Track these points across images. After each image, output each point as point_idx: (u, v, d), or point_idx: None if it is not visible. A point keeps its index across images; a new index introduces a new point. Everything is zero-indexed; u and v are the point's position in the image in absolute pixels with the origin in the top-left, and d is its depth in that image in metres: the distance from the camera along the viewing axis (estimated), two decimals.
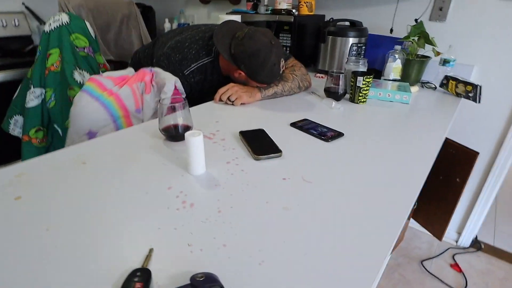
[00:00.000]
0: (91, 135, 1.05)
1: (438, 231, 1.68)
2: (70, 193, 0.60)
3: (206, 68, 1.15)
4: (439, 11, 1.46)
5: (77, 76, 1.32)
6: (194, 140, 0.64)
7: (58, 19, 1.31)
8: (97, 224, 0.52)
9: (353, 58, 1.27)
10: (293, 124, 0.94)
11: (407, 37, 1.34)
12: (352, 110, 1.11)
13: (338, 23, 1.51)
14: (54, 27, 1.30)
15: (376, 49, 1.57)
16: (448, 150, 1.57)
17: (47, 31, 1.30)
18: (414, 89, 1.34)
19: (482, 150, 1.59)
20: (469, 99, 1.25)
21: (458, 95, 1.29)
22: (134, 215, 0.54)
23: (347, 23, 1.54)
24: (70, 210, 0.55)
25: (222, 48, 1.08)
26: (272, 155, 0.75)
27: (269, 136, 0.84)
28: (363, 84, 1.12)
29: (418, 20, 1.39)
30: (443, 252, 1.82)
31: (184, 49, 1.13)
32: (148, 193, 0.60)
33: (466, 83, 1.24)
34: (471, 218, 1.79)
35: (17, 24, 2.33)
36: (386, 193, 0.63)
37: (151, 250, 0.46)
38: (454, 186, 1.60)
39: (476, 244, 1.85)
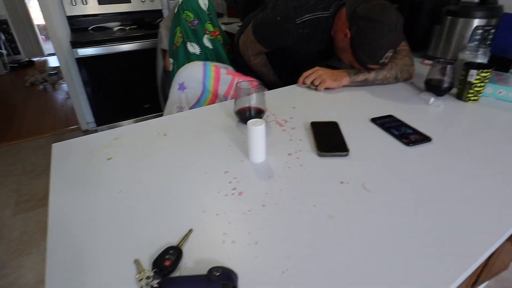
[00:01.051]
0: (182, 87, 1.22)
1: None
2: (148, 161, 0.69)
3: (319, 22, 1.08)
4: None
5: (190, 47, 1.49)
6: (255, 129, 0.65)
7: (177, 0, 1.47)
8: (158, 194, 0.59)
9: (471, 45, 1.05)
10: (374, 120, 0.85)
11: None
12: (455, 110, 0.94)
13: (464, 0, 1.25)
14: (177, 9, 1.48)
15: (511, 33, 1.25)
16: None
17: (175, 12, 1.50)
18: None
19: None
20: None
21: None
22: (189, 193, 0.59)
23: (477, 0, 1.26)
24: (142, 177, 0.64)
25: (352, 2, 1.03)
26: (337, 153, 0.70)
27: (340, 131, 0.79)
28: (476, 80, 0.92)
29: None
30: None
31: None
32: (206, 173, 0.65)
33: None
34: None
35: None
36: (465, 216, 0.53)
37: (190, 231, 0.50)
38: None
39: None
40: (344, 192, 0.60)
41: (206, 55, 1.52)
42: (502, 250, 1.10)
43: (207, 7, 1.48)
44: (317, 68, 1.08)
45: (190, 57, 1.51)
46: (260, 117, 0.84)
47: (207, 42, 1.50)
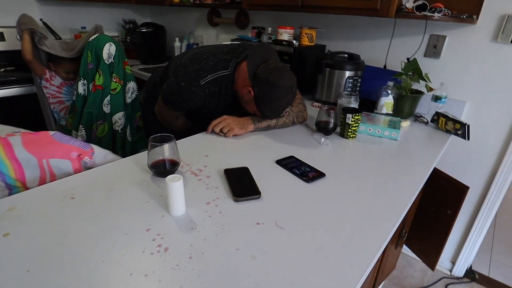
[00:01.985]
0: None
1: (431, 261, 1.68)
2: (57, 231, 0.64)
3: (222, 80, 1.16)
4: (434, 48, 1.49)
5: (80, 86, 1.55)
6: (174, 185, 0.68)
7: None
8: (76, 266, 0.56)
9: (346, 93, 1.30)
10: (278, 162, 0.98)
11: (400, 74, 1.37)
12: (340, 146, 1.14)
13: (337, 55, 1.55)
14: (87, 44, 1.52)
15: (373, 81, 1.60)
16: (440, 183, 1.58)
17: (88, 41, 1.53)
18: (406, 123, 1.36)
19: (474, 184, 1.60)
20: (458, 136, 1.27)
21: (448, 131, 1.31)
22: (110, 259, 0.58)
23: (346, 56, 1.58)
24: (52, 250, 0.59)
25: (252, 63, 1.12)
26: (251, 197, 0.78)
27: (251, 176, 0.87)
28: (352, 121, 1.15)
29: (411, 58, 1.42)
30: (436, 282, 1.81)
31: (202, 61, 1.15)
32: (127, 234, 0.64)
33: (455, 121, 1.26)
34: (464, 248, 1.78)
35: None
36: (357, 232, 0.67)
37: None
38: (445, 217, 1.60)
39: (470, 275, 1.84)
40: (261, 232, 0.67)
41: (84, 101, 1.55)
42: (388, 254, 1.34)
43: (112, 56, 1.47)
44: (224, 116, 1.17)
45: (78, 96, 1.55)
46: (175, 169, 0.88)
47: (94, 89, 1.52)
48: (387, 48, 1.64)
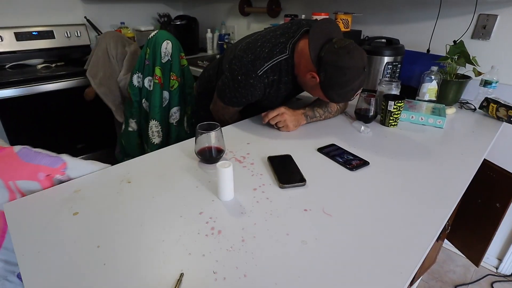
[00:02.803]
0: None
1: (475, 256, 1.62)
2: (119, 211, 0.69)
3: (281, 66, 1.07)
4: (483, 29, 1.40)
5: (135, 79, 1.62)
6: (224, 171, 0.71)
7: None
8: (138, 245, 0.60)
9: (386, 79, 1.27)
10: (320, 150, 0.98)
11: (445, 58, 1.31)
12: (381, 134, 1.12)
13: (375, 40, 1.50)
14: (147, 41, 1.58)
15: (413, 66, 1.54)
16: (487, 173, 1.51)
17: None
18: (451, 110, 1.31)
19: None
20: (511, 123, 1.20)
21: (499, 118, 1.24)
22: (169, 238, 0.62)
23: (384, 41, 1.53)
24: (118, 228, 0.64)
25: (314, 45, 1.00)
26: (297, 184, 0.79)
27: (295, 163, 0.88)
28: (394, 109, 1.12)
29: (458, 41, 1.35)
30: (480, 279, 1.74)
31: (257, 49, 1.06)
32: (182, 217, 0.68)
33: (508, 107, 1.19)
34: None
35: (79, 34, 2.58)
36: (407, 222, 0.66)
37: (181, 275, 0.53)
38: (493, 211, 1.53)
39: None
40: (309, 218, 0.68)
41: (140, 94, 1.60)
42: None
43: (169, 54, 1.52)
44: (282, 110, 1.11)
45: (132, 87, 1.61)
46: (221, 156, 0.91)
47: (147, 83, 1.55)
48: (431, 31, 1.56)
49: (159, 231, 0.64)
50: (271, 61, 1.06)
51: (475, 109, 1.34)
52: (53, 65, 2.39)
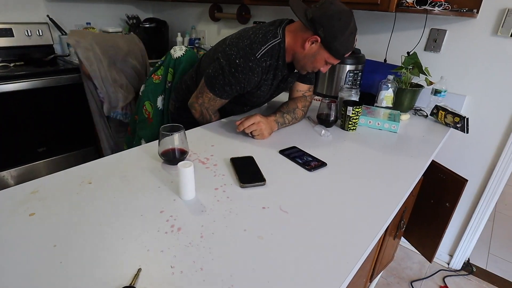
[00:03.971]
0: None
1: (428, 253, 1.73)
2: (78, 212, 0.69)
3: (274, 50, 1.09)
4: (434, 42, 1.52)
5: None
6: (185, 171, 0.73)
7: None
8: (96, 243, 0.61)
9: (347, 86, 1.34)
10: (282, 152, 1.02)
11: (400, 68, 1.41)
12: (340, 138, 1.18)
13: None
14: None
15: (373, 74, 1.64)
16: (439, 175, 1.63)
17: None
18: (406, 116, 1.40)
19: (472, 177, 1.64)
20: (457, 129, 1.31)
21: (447, 124, 1.35)
22: (129, 236, 0.63)
23: None
24: (76, 228, 0.64)
25: (300, 14, 1.05)
26: (256, 183, 0.83)
27: (256, 164, 0.92)
28: (352, 114, 1.19)
29: (411, 52, 1.46)
30: (434, 274, 1.86)
31: (250, 35, 1.08)
32: (142, 216, 0.69)
33: (454, 114, 1.30)
34: (462, 241, 1.83)
35: (40, 34, 2.48)
36: (357, 219, 0.71)
37: (139, 270, 0.54)
38: (444, 210, 1.65)
39: (468, 267, 1.89)
40: (266, 215, 0.72)
41: (162, 117, 1.60)
42: (386, 245, 1.38)
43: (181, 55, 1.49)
44: (258, 118, 1.11)
45: (155, 109, 1.60)
46: (184, 157, 0.92)
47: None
48: (388, 42, 1.67)
49: (119, 230, 0.65)
50: (266, 44, 1.07)
51: (427, 116, 1.45)
52: (12, 64, 2.28)
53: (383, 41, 1.70)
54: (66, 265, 0.55)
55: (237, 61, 1.06)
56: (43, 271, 0.54)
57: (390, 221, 0.77)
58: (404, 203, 1.29)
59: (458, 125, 1.30)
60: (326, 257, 0.61)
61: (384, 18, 1.66)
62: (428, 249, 1.73)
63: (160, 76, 1.53)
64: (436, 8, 1.31)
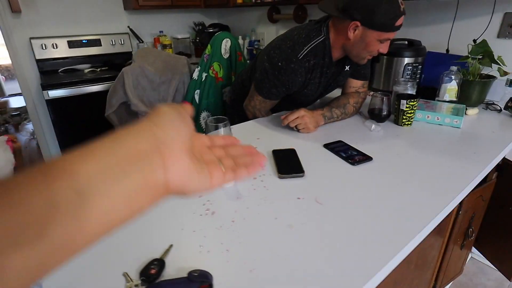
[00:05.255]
0: None
1: (508, 269, 1.52)
2: None
3: (319, 48, 1.09)
4: (509, 28, 1.34)
5: (195, 73, 1.86)
6: None
7: None
8: (137, 220, 0.68)
9: (402, 79, 1.26)
10: (326, 145, 1.00)
11: (465, 58, 1.27)
12: (393, 133, 1.11)
13: (395, 42, 1.49)
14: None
15: (437, 67, 1.50)
16: None
17: None
18: (473, 111, 1.26)
19: None
20: None
21: None
22: (168, 214, 0.69)
23: (405, 42, 1.51)
24: None
25: (330, 8, 1.05)
26: (295, 174, 0.83)
27: (297, 156, 0.92)
28: (407, 108, 1.11)
29: (478, 39, 1.30)
30: None
31: (294, 36, 1.10)
32: (183, 198, 0.75)
33: None
34: None
35: (122, 42, 2.83)
36: (396, 216, 0.67)
37: (170, 246, 0.59)
38: None
39: None
40: (300, 205, 0.72)
41: (195, 86, 1.76)
42: (451, 254, 1.25)
43: (228, 48, 1.67)
44: (302, 112, 1.09)
45: (192, 80, 1.80)
46: None
47: (204, 77, 1.71)
48: (450, 30, 1.52)
49: (158, 208, 0.71)
50: (309, 44, 1.08)
51: (500, 110, 1.28)
52: (98, 69, 2.63)
53: (447, 31, 1.54)
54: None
55: (280, 63, 1.09)
56: None
57: (437, 222, 0.70)
58: (470, 207, 1.16)
59: None
60: (356, 253, 0.58)
61: (447, 6, 1.51)
62: (507, 264, 1.51)
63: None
64: None
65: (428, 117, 1.18)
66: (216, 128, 0.93)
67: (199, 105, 1.77)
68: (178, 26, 3.18)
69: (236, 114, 1.39)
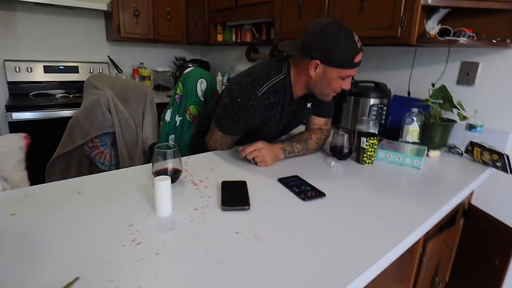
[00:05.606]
0: None
1: None
2: (54, 217, 0.70)
3: (280, 86, 1.08)
4: (467, 75, 1.39)
5: (167, 114, 1.66)
6: (161, 185, 0.71)
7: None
8: (49, 245, 0.60)
9: (365, 118, 1.26)
10: (280, 180, 0.96)
11: (425, 101, 1.30)
12: (352, 171, 1.08)
13: (361, 84, 1.53)
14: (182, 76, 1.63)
15: (401, 110, 1.52)
16: (483, 225, 1.40)
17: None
18: (435, 153, 1.26)
19: None
20: (498, 169, 1.13)
21: (485, 163, 1.18)
22: (89, 244, 0.61)
23: (372, 84, 1.55)
24: (45, 231, 0.64)
25: (290, 48, 1.06)
26: (239, 207, 0.77)
27: (246, 189, 0.87)
28: (367, 146, 1.10)
29: (437, 85, 1.34)
30: None
31: (255, 73, 1.09)
32: (110, 227, 0.68)
33: (492, 151, 1.14)
34: None
35: (101, 71, 2.82)
36: (337, 254, 0.61)
37: (76, 279, 0.51)
38: (493, 270, 1.39)
39: None
40: (236, 240, 0.65)
41: (169, 129, 1.63)
42: None
43: (203, 90, 1.57)
44: (260, 145, 1.07)
45: (163, 121, 1.65)
46: (177, 177, 0.91)
47: (179, 121, 1.59)
48: (409, 75, 1.58)
49: (80, 237, 0.63)
50: (269, 81, 1.07)
51: (462, 154, 1.28)
52: (71, 95, 2.58)
53: (412, 75, 1.60)
54: (16, 261, 0.55)
55: (239, 99, 1.06)
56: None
57: (385, 264, 0.64)
58: (435, 254, 1.11)
59: (497, 164, 1.12)
60: None
61: (411, 52, 1.58)
62: None
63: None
64: (461, 38, 1.20)
65: (389, 156, 1.17)
66: (164, 156, 0.88)
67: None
68: (159, 59, 3.23)
69: (201, 146, 1.34)
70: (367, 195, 0.90)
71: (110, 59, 2.86)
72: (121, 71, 2.92)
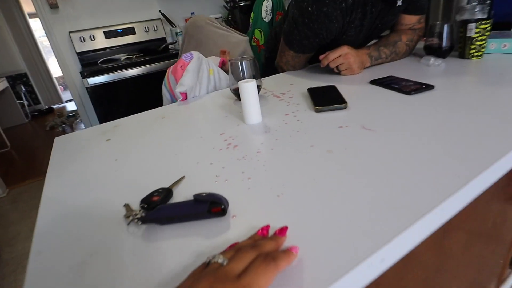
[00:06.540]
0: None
1: None
2: (145, 137, 0.69)
3: None
4: None
5: None
6: (246, 87, 0.64)
7: None
8: (153, 156, 0.58)
9: (467, 6, 1.02)
10: (373, 81, 0.83)
11: None
12: (458, 67, 0.90)
13: None
14: None
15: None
16: None
17: None
18: None
19: None
20: None
21: None
22: (184, 152, 0.58)
23: None
24: (139, 148, 0.64)
25: None
26: (335, 106, 0.68)
27: (338, 91, 0.76)
28: (476, 33, 0.90)
29: None
30: None
31: None
32: (201, 137, 0.64)
33: None
34: None
35: (155, 28, 2.83)
36: (458, 152, 0.49)
37: (182, 177, 0.48)
38: None
39: None
40: (343, 133, 0.57)
41: None
42: None
43: (269, 9, 1.42)
44: (346, 49, 0.92)
45: None
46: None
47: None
48: None
49: (175, 147, 0.61)
50: None
51: None
52: (134, 56, 2.65)
53: None
54: (119, 173, 0.54)
55: (310, 8, 0.88)
56: (97, 178, 0.54)
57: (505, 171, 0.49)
58: None
59: None
60: (408, 187, 0.42)
61: None
62: None
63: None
64: None
65: (504, 46, 0.95)
66: (241, 69, 0.80)
67: None
68: (209, 7, 3.11)
69: (272, 75, 1.24)
70: (484, 90, 0.72)
71: (162, 14, 2.84)
72: (175, 25, 2.89)
